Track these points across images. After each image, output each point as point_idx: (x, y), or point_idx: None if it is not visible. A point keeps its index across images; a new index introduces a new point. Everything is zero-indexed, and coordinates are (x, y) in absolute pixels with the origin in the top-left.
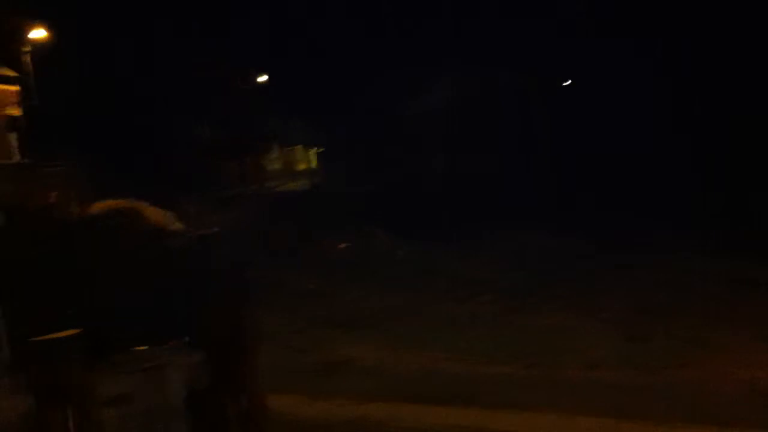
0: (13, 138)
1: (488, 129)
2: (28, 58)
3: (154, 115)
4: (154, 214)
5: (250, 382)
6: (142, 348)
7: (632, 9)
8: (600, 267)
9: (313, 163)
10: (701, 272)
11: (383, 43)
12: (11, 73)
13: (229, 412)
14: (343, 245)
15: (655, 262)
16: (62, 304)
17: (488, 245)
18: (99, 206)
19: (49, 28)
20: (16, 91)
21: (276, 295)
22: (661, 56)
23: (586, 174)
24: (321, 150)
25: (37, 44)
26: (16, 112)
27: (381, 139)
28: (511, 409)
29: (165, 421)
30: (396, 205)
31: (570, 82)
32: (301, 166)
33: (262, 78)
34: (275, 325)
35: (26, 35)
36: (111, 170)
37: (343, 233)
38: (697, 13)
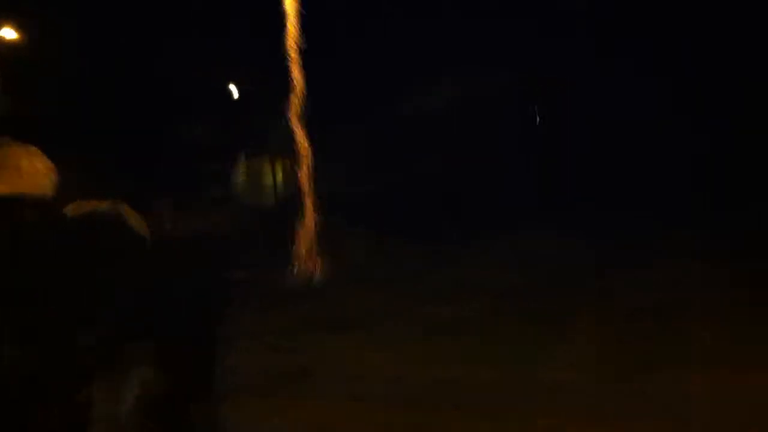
0: None
1: (488, 129)
2: None
3: (139, 116)
4: (132, 217)
5: (216, 386)
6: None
7: (633, 9)
8: (600, 269)
9: (279, 177)
10: (702, 274)
11: (381, 41)
12: None
13: (191, 419)
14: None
15: (656, 262)
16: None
17: (486, 247)
18: (78, 206)
19: (20, 27)
20: None
21: (261, 294)
22: (664, 56)
23: (588, 174)
24: (288, 161)
25: (8, 44)
26: None
27: (378, 140)
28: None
29: (121, 429)
30: (392, 205)
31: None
32: (268, 179)
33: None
34: (256, 325)
35: None
36: (84, 170)
37: (332, 233)
38: (695, 12)
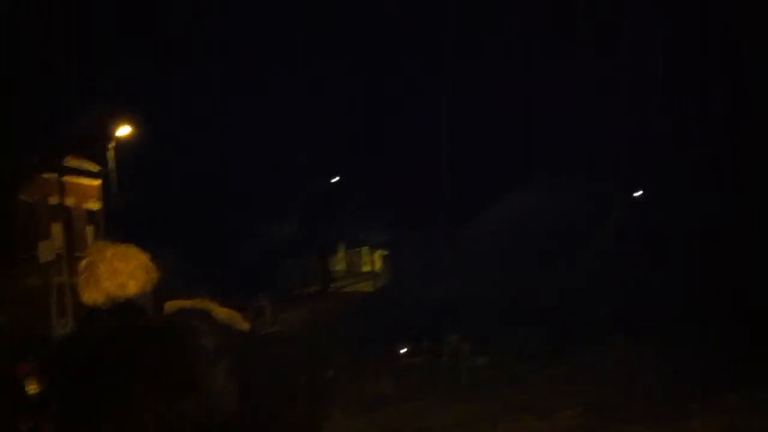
0: (90, 231)
1: (577, 237)
2: (111, 154)
3: (232, 212)
4: (222, 313)
5: None
6: None
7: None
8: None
9: (378, 266)
10: None
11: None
12: (94, 168)
13: None
14: (408, 350)
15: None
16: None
17: (576, 356)
18: (171, 305)
19: (134, 124)
20: (98, 186)
21: (348, 398)
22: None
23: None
24: (386, 252)
25: (121, 140)
26: (95, 206)
27: (458, 243)
28: None
29: None
30: (477, 310)
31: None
32: (366, 268)
33: (335, 179)
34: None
35: (112, 132)
36: (187, 265)
37: (416, 338)
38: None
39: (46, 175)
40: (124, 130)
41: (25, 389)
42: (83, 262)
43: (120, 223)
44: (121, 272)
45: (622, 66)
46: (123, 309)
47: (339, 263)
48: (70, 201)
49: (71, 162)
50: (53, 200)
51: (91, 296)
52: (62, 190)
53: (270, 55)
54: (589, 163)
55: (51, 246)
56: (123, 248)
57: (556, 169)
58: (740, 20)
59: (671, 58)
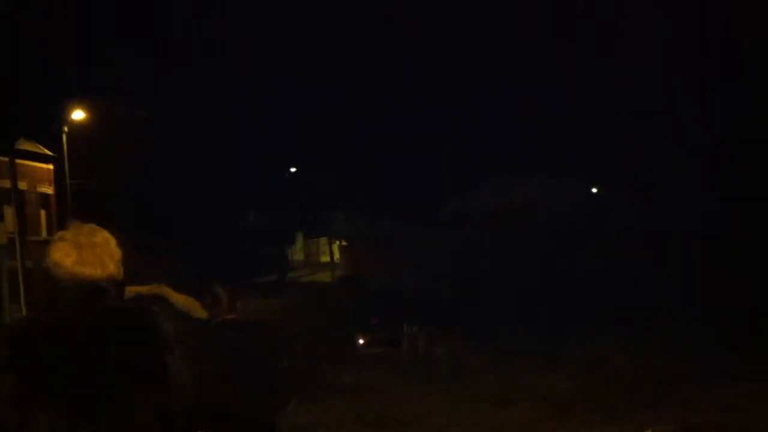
0: (43, 215)
1: (543, 228)
2: (64, 138)
3: (191, 198)
4: (180, 300)
5: None
6: None
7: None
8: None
9: (336, 256)
10: None
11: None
12: (46, 152)
13: None
14: (366, 340)
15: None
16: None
17: (543, 348)
18: (129, 290)
19: (88, 109)
20: (50, 170)
21: (306, 387)
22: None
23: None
24: (345, 243)
25: (75, 124)
26: (48, 190)
27: (427, 235)
28: None
29: None
30: (442, 301)
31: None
32: (324, 258)
33: (293, 169)
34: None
35: (65, 116)
36: (142, 252)
37: (374, 328)
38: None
39: None
40: (77, 114)
41: None
42: (54, 241)
43: (77, 207)
44: (90, 254)
45: (622, 66)
46: (86, 290)
47: (297, 253)
48: (22, 184)
49: (24, 145)
50: (4, 183)
51: (59, 275)
52: (14, 173)
53: (270, 55)
54: (589, 163)
55: (2, 229)
56: (92, 229)
57: (555, 169)
58: (740, 20)
59: (671, 58)
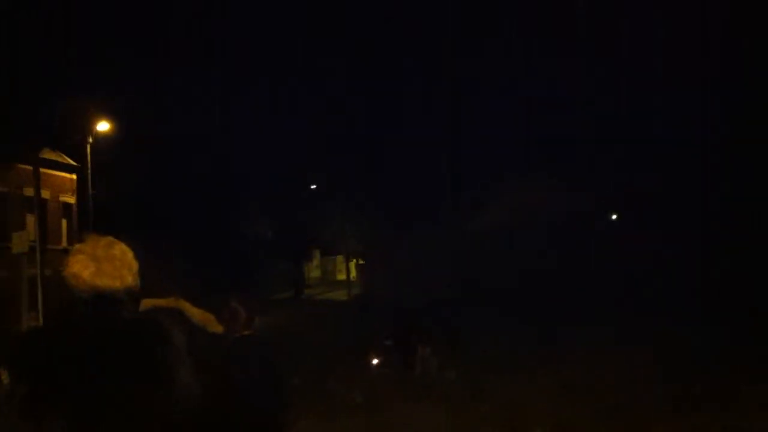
0: (64, 224)
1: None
2: (88, 149)
3: (213, 214)
4: (196, 314)
5: None
6: None
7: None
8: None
9: (353, 274)
10: None
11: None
12: (70, 162)
13: None
14: (379, 361)
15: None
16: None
17: (549, 370)
18: (146, 302)
19: (114, 121)
20: (73, 179)
21: (317, 405)
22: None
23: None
24: (361, 262)
25: (100, 136)
26: (70, 199)
27: (434, 252)
28: None
29: None
30: (449, 322)
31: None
32: (341, 276)
33: (314, 186)
34: None
35: (91, 127)
36: (161, 266)
37: (388, 349)
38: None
39: (21, 166)
40: (102, 126)
41: None
42: (72, 254)
43: (95, 217)
44: (109, 266)
45: (622, 66)
46: (104, 301)
47: (314, 270)
48: (45, 193)
49: (47, 154)
50: (28, 192)
51: (77, 287)
52: (38, 182)
53: (269, 54)
54: (589, 164)
55: (24, 237)
56: (110, 242)
57: (555, 168)
58: (740, 20)
59: (671, 58)
